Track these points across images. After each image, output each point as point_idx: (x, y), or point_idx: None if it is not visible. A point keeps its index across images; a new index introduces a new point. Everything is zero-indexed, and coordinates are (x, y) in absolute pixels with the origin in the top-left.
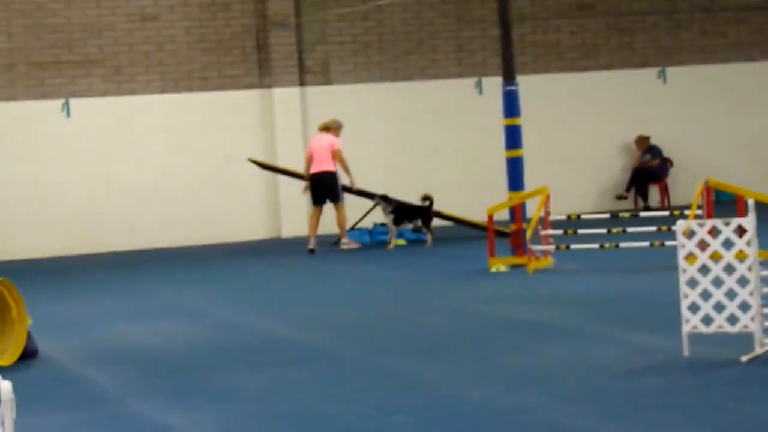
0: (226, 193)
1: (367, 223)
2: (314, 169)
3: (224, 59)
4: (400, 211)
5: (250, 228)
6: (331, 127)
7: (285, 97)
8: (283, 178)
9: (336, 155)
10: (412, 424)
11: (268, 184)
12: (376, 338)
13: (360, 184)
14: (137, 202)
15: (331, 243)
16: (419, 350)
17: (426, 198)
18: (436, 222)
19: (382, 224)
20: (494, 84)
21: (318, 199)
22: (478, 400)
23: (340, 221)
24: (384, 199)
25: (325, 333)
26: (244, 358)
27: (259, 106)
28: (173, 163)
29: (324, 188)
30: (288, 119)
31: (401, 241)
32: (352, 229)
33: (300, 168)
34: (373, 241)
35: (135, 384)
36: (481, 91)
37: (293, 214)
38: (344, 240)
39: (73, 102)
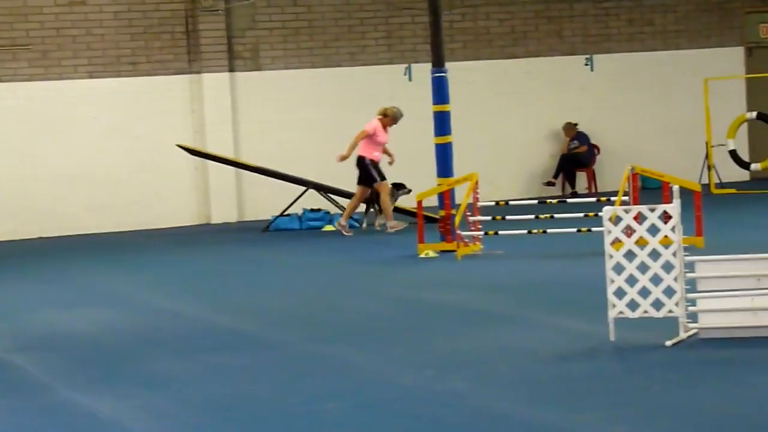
0: (156, 179)
1: (297, 209)
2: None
3: (153, 44)
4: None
5: (180, 214)
6: (386, 114)
7: (214, 82)
8: (212, 164)
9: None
10: (345, 410)
11: (197, 170)
12: (308, 324)
13: (290, 171)
14: (66, 188)
15: (261, 229)
16: (350, 336)
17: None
18: (364, 208)
19: (312, 210)
20: (424, 70)
21: (358, 181)
22: (409, 385)
23: (382, 204)
24: (399, 186)
25: (257, 319)
26: (174, 345)
27: (189, 92)
28: (102, 149)
29: (359, 173)
30: (217, 105)
31: (331, 227)
32: (281, 215)
33: (230, 153)
34: (303, 227)
35: (64, 371)
36: (410, 78)
37: (223, 200)
38: (390, 223)
39: (0, 87)
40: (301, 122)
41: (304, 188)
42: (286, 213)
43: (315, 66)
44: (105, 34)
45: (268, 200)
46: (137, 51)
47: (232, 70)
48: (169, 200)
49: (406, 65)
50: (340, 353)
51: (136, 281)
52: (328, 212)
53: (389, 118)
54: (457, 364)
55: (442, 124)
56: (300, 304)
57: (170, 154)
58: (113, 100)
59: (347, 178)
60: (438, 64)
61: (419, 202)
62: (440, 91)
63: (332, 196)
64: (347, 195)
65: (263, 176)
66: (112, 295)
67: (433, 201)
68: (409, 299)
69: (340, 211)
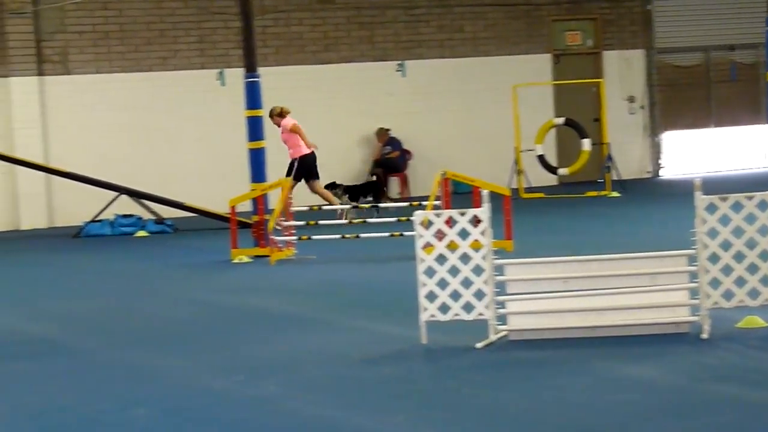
0: None
1: (109, 215)
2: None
3: None
4: (353, 190)
5: None
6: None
7: (22, 86)
8: (21, 169)
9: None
10: (154, 416)
11: (5, 175)
12: (116, 330)
13: (101, 176)
14: None
15: (72, 235)
16: (160, 342)
17: (374, 173)
18: (178, 213)
19: (124, 216)
20: (237, 75)
21: (300, 178)
22: (219, 390)
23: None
24: (332, 186)
25: (63, 326)
26: None
27: None
28: None
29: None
30: (26, 109)
31: (144, 233)
32: (93, 221)
33: (39, 158)
34: (115, 232)
35: None
36: (223, 83)
37: (32, 206)
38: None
39: None
40: (113, 127)
41: (116, 194)
42: (97, 219)
43: (126, 70)
44: None
45: (79, 206)
46: None
47: (40, 73)
48: None
49: (219, 70)
50: (148, 359)
51: None
52: (140, 218)
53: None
54: (268, 368)
55: (255, 129)
56: (108, 310)
57: None
58: None
59: (159, 184)
60: (251, 69)
61: (232, 208)
62: (253, 96)
63: (144, 201)
64: (159, 200)
65: (74, 181)
66: None
67: (246, 206)
68: (220, 304)
69: (153, 217)
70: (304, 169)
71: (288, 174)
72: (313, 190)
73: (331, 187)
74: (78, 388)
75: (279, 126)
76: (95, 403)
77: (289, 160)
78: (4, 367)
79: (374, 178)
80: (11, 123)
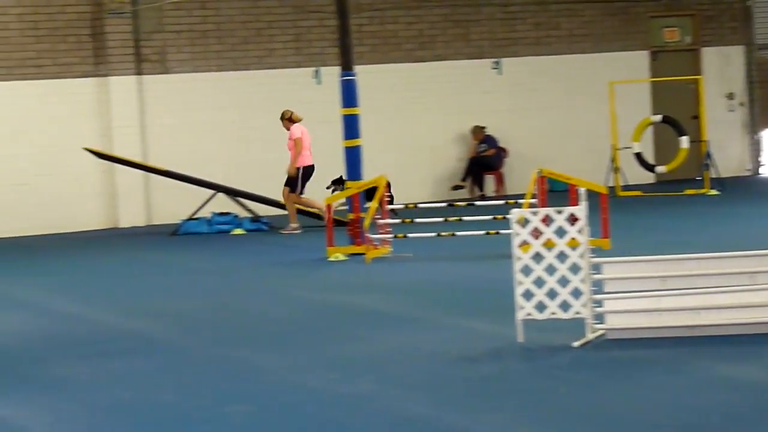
0: (63, 183)
1: (206, 213)
2: (311, 161)
3: (59, 47)
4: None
5: (87, 218)
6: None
7: (121, 86)
8: (120, 168)
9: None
10: (251, 413)
11: (105, 174)
12: (215, 328)
13: (198, 174)
14: None
15: (169, 233)
16: (256, 339)
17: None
18: (274, 211)
19: (221, 213)
20: (332, 74)
21: (303, 190)
22: (314, 387)
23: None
24: (339, 181)
25: (163, 323)
26: (78, 349)
27: (95, 95)
28: (8, 152)
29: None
30: (124, 108)
31: (240, 231)
32: (190, 219)
33: (138, 156)
34: (212, 230)
35: None
36: (319, 81)
37: (131, 204)
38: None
39: None
40: (209, 125)
41: (213, 192)
42: (194, 216)
43: (222, 69)
44: (9, 37)
45: (176, 204)
46: (43, 54)
47: (139, 73)
48: (76, 204)
49: (315, 68)
50: (245, 356)
51: (41, 285)
52: (236, 215)
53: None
54: (363, 366)
55: (351, 127)
56: (206, 307)
57: (77, 158)
58: (18, 103)
59: (255, 182)
60: (347, 67)
61: (328, 206)
62: (349, 95)
63: (240, 199)
64: (255, 198)
65: (171, 180)
66: (15, 299)
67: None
68: (316, 302)
69: (249, 215)
70: (305, 179)
71: (287, 183)
72: (285, 197)
73: (338, 182)
74: (174, 385)
75: (288, 130)
76: (191, 400)
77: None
78: (103, 364)
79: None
80: (110, 122)
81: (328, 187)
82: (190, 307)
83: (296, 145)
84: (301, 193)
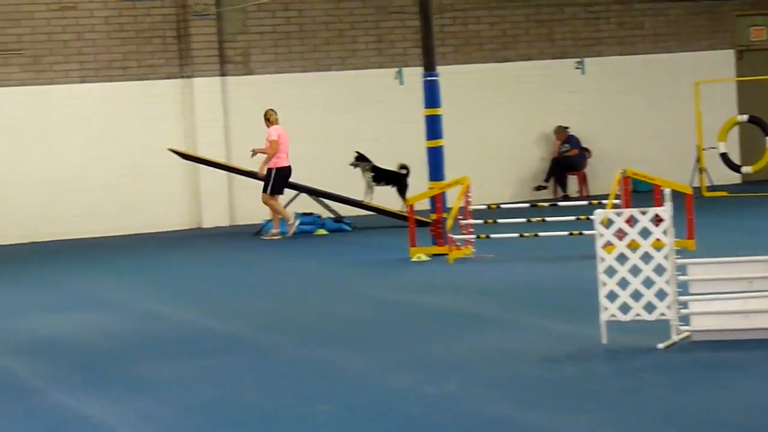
0: (147, 183)
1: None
2: (287, 162)
3: (144, 49)
4: (379, 172)
5: (171, 218)
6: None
7: (205, 87)
8: (204, 168)
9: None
10: (335, 413)
11: (188, 174)
12: (298, 328)
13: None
14: (57, 193)
15: (252, 233)
16: (340, 339)
17: (403, 167)
18: (357, 212)
19: (304, 214)
20: (415, 74)
21: (282, 191)
22: (398, 387)
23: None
24: (361, 158)
25: (247, 323)
26: (164, 349)
27: (180, 96)
28: (93, 154)
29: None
30: (208, 109)
31: (322, 231)
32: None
33: (221, 157)
34: (295, 231)
35: (54, 375)
36: (401, 82)
37: (214, 204)
38: (272, 231)
39: None
40: (292, 126)
41: (296, 192)
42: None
43: (305, 70)
44: (96, 39)
45: (259, 204)
46: (128, 55)
47: (223, 74)
48: (160, 204)
49: (397, 69)
50: (329, 356)
51: (126, 285)
52: (319, 216)
53: None
54: (447, 366)
55: (433, 127)
56: (290, 307)
57: (161, 158)
58: (104, 105)
59: (338, 182)
60: (429, 67)
61: (411, 206)
62: (432, 95)
63: (323, 199)
64: (338, 199)
65: (254, 180)
66: (103, 299)
67: (425, 204)
68: (399, 302)
69: (332, 215)
70: (281, 180)
71: (264, 189)
72: (265, 201)
73: (361, 158)
74: (259, 384)
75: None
76: (276, 399)
77: (265, 169)
78: (188, 363)
79: (404, 171)
80: (195, 123)
81: (351, 164)
82: (274, 306)
83: (271, 146)
84: (280, 193)
